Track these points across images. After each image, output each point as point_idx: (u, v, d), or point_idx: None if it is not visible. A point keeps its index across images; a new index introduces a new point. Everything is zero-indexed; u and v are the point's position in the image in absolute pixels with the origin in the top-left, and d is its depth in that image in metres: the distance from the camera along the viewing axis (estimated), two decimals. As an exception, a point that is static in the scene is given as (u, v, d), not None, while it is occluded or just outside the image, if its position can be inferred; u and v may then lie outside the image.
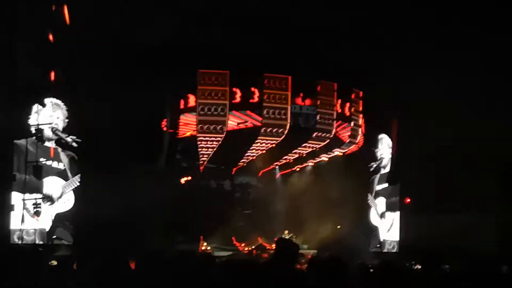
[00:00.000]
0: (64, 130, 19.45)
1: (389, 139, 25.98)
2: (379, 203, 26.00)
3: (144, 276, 5.71)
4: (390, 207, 25.59)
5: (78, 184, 19.43)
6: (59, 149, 19.43)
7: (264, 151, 25.35)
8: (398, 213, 25.32)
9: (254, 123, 23.86)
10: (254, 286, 5.14)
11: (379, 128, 26.20)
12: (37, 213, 17.91)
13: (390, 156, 25.91)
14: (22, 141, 18.57)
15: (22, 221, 17.37)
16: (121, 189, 18.59)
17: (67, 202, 19.43)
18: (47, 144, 19.05)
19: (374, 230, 26.00)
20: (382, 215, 25.88)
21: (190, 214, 23.21)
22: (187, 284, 5.26)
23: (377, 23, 20.26)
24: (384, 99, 24.04)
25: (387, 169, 25.93)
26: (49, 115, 19.16)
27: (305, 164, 27.55)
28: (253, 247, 25.16)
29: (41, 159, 18.49)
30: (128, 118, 20.01)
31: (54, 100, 19.46)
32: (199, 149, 24.63)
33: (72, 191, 19.56)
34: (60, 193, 19.36)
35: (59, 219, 19.10)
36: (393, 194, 25.48)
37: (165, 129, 24.06)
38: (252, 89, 23.62)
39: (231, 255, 23.03)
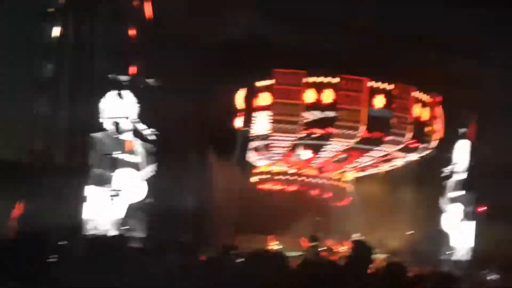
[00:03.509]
0: (141, 121, 19.61)
1: (467, 145, 25.25)
2: (454, 210, 25.28)
3: (214, 274, 5.65)
4: (465, 215, 24.84)
5: (152, 175, 19.50)
6: (135, 141, 19.56)
7: (337, 153, 25.09)
8: (474, 222, 24.46)
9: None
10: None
11: (456, 133, 25.55)
12: (112, 202, 18.15)
13: (467, 162, 25.15)
14: (98, 134, 18.82)
15: (98, 209, 17.69)
16: (193, 183, 18.69)
17: (140, 193, 19.56)
18: (123, 136, 19.23)
19: (446, 237, 25.31)
20: (456, 222, 25.16)
21: (259, 213, 23.16)
22: (260, 284, 5.13)
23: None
24: (463, 103, 23.49)
25: (463, 175, 25.19)
26: (126, 108, 19.32)
27: (378, 167, 27.17)
28: (321, 249, 24.91)
29: (117, 152, 18.67)
30: (202, 115, 20.15)
31: (130, 93, 19.66)
32: (271, 148, 24.61)
33: (145, 182, 19.69)
34: (134, 184, 19.52)
35: (132, 210, 19.24)
36: (470, 202, 24.68)
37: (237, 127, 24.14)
38: (326, 89, 23.43)
39: (300, 256, 22.86)
